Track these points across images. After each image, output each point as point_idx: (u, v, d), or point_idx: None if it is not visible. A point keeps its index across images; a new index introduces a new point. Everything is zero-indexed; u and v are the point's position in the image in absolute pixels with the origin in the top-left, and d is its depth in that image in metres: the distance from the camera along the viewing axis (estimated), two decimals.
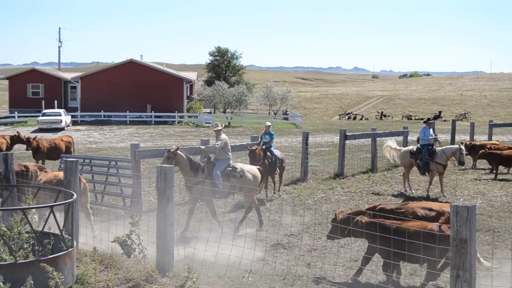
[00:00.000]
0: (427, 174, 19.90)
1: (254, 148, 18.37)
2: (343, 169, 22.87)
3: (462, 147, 19.49)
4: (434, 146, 19.78)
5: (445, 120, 67.79)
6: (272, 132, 19.31)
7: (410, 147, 20.84)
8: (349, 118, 79.21)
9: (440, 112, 77.56)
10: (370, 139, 25.57)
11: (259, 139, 19.48)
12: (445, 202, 17.01)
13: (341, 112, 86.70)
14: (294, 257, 11.36)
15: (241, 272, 9.06)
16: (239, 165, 15.07)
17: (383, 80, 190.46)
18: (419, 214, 10.59)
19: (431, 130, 20.06)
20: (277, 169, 19.07)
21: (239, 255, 10.33)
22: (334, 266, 10.98)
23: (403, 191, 19.85)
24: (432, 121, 21.35)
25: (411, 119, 74.43)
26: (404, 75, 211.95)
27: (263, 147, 18.77)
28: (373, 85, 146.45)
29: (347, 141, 23.86)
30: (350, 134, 24.65)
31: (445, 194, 19.09)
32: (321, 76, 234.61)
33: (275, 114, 71.12)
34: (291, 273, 10.05)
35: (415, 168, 20.49)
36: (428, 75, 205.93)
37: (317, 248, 12.15)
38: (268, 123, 19.79)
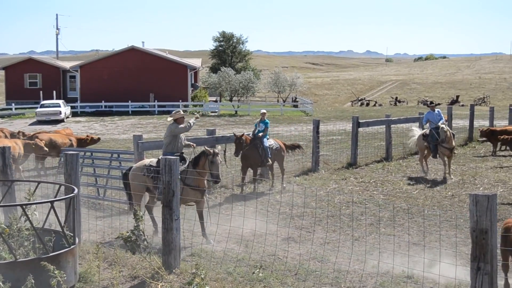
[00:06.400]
0: (438, 157, 19.92)
1: (240, 135, 17.67)
2: (356, 158, 22.25)
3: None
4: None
5: (463, 105, 65.70)
6: (267, 120, 18.40)
7: (424, 130, 20.97)
8: (361, 104, 77.41)
9: (457, 97, 75.77)
10: (384, 126, 24.69)
11: (254, 127, 18.61)
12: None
13: (353, 98, 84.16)
14: (306, 251, 11.00)
15: (251, 268, 8.79)
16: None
17: (397, 64, 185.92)
18: None
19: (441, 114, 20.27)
20: (269, 160, 17.94)
21: (248, 251, 10.06)
22: (348, 260, 10.66)
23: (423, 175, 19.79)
24: (434, 105, 21.15)
25: (427, 104, 73.01)
26: (419, 58, 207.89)
27: (259, 135, 17.98)
28: (387, 69, 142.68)
29: (360, 129, 23.24)
30: (363, 121, 24.09)
31: (452, 176, 19.07)
32: (332, 61, 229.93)
33: (284, 101, 70.00)
34: (303, 268, 9.74)
35: None
36: (444, 57, 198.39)
37: (330, 241, 11.76)
38: (264, 111, 19.01)
